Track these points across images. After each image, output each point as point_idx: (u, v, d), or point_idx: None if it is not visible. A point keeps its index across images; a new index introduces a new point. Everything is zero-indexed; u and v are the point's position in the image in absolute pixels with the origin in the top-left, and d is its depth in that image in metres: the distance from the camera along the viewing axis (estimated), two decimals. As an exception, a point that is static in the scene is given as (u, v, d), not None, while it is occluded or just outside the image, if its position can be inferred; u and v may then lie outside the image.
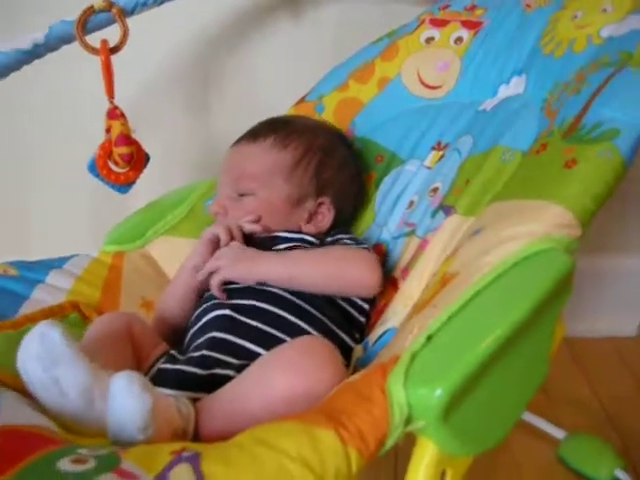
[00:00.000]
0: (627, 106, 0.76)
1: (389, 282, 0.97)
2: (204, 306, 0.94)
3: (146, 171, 1.16)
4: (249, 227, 1.01)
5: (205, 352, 0.84)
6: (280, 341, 0.83)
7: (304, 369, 0.69)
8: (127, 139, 1.12)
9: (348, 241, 0.99)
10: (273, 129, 1.08)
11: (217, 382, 0.77)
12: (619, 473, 1.09)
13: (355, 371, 0.76)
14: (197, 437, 0.71)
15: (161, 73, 1.48)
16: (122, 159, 1.12)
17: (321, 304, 0.91)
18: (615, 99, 0.78)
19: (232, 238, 0.99)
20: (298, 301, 0.91)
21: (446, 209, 0.93)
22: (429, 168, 1.06)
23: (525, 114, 0.95)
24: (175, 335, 0.97)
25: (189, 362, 0.84)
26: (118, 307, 1.03)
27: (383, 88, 1.16)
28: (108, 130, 1.14)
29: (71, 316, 0.96)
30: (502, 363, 0.62)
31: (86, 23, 1.09)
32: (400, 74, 1.15)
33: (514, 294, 0.65)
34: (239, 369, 0.79)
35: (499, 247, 0.70)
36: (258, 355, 0.82)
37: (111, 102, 1.13)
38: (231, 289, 0.93)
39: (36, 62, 1.11)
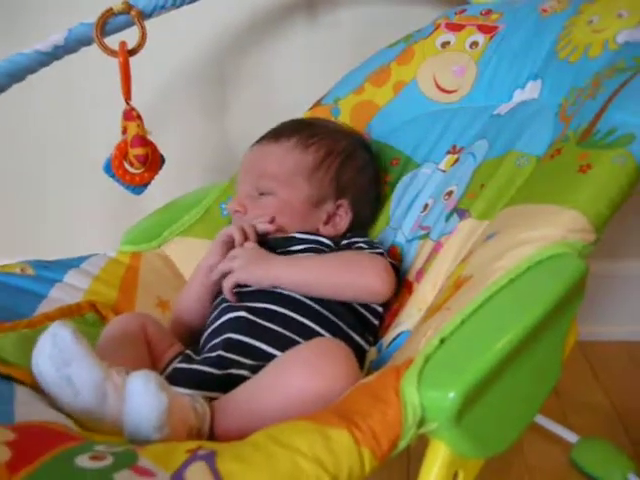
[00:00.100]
0: (642, 112, 0.77)
1: (403, 285, 0.98)
2: (220, 307, 0.94)
3: (162, 173, 1.17)
4: (262, 227, 1.02)
5: (221, 353, 0.85)
6: (294, 343, 0.83)
7: (320, 370, 0.70)
8: (143, 140, 1.14)
9: (363, 244, 0.99)
10: (296, 130, 1.09)
11: (232, 382, 0.78)
12: (632, 478, 1.08)
13: (369, 373, 0.76)
14: (212, 436, 0.72)
15: (178, 75, 1.49)
16: (137, 160, 1.13)
17: (335, 307, 0.92)
18: (630, 104, 0.78)
19: (246, 238, 1.00)
20: (312, 304, 0.91)
21: (460, 212, 0.93)
22: (444, 172, 1.06)
23: (540, 119, 0.95)
24: (191, 335, 0.98)
25: (205, 362, 0.85)
26: (134, 307, 1.04)
27: (399, 92, 1.16)
28: (124, 131, 1.15)
29: (88, 315, 0.98)
30: (515, 366, 0.62)
31: (105, 25, 1.11)
32: (416, 78, 1.15)
33: (527, 298, 0.65)
34: (254, 370, 0.80)
35: (513, 251, 0.70)
36: (273, 356, 0.82)
37: (128, 103, 1.14)
38: (246, 291, 0.94)
39: (54, 62, 1.12)
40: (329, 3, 1.42)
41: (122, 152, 1.14)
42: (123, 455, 0.56)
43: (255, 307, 0.91)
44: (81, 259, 1.09)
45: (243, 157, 1.11)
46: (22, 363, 0.76)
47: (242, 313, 0.90)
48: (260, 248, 0.98)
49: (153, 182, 1.16)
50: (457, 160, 1.05)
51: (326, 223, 1.06)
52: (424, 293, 0.89)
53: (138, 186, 1.17)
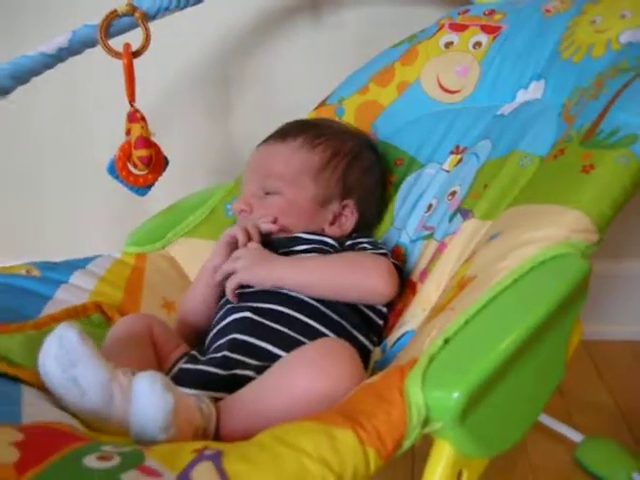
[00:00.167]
0: (646, 112, 0.77)
1: (407, 285, 0.98)
2: (225, 308, 0.95)
3: (166, 174, 1.17)
4: (266, 227, 1.02)
5: (226, 353, 0.86)
6: (299, 344, 0.83)
7: (325, 370, 0.70)
8: (146, 142, 1.14)
9: (367, 245, 1.00)
10: (302, 130, 1.10)
11: (238, 382, 0.79)
12: (636, 477, 1.08)
13: (373, 373, 0.77)
14: (218, 436, 0.72)
15: (182, 77, 1.50)
16: (141, 161, 1.14)
17: (340, 307, 0.92)
18: (633, 105, 0.79)
19: (250, 239, 1.00)
20: (317, 304, 0.92)
21: (464, 213, 0.93)
22: (448, 172, 1.07)
23: (543, 119, 0.95)
24: (197, 336, 0.99)
25: (210, 363, 0.85)
26: (140, 308, 1.05)
27: (403, 92, 1.17)
28: (128, 133, 1.15)
29: (94, 316, 0.98)
30: (519, 366, 0.62)
31: (109, 27, 1.11)
32: (419, 78, 1.15)
33: (531, 298, 0.65)
34: (259, 370, 0.80)
35: (516, 251, 0.70)
36: (278, 357, 0.83)
37: (132, 105, 1.14)
38: (252, 292, 0.94)
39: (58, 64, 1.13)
40: (333, 4, 1.42)
41: (126, 153, 1.15)
42: (130, 455, 0.56)
43: (260, 307, 0.91)
44: (87, 260, 1.09)
45: (249, 157, 1.11)
46: (29, 364, 0.76)
47: (247, 314, 0.90)
48: (264, 249, 0.98)
49: (157, 183, 1.17)
50: (460, 160, 1.06)
51: (332, 223, 1.06)
52: (428, 293, 0.89)
53: (142, 187, 1.18)
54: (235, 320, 0.91)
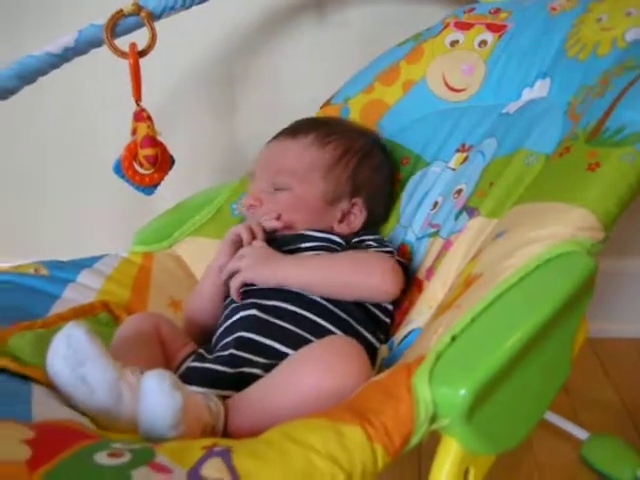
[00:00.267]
0: (651, 110, 0.77)
1: (413, 283, 0.98)
2: (231, 306, 0.95)
3: (172, 173, 1.18)
4: (269, 224, 1.03)
5: (233, 351, 0.86)
6: (306, 341, 0.84)
7: (332, 368, 0.71)
8: (152, 141, 1.14)
9: (373, 243, 1.00)
10: (313, 127, 1.10)
11: (245, 380, 0.79)
12: (642, 474, 1.09)
13: (380, 371, 0.77)
14: (226, 434, 0.73)
15: (187, 76, 1.50)
16: (147, 161, 1.14)
17: (346, 305, 0.92)
18: (639, 102, 0.79)
19: (254, 237, 1.01)
20: (324, 302, 0.92)
21: (470, 211, 0.94)
22: (453, 170, 1.07)
23: (549, 117, 0.96)
24: (205, 335, 0.99)
25: (217, 361, 0.85)
26: (147, 306, 1.05)
27: (408, 90, 1.17)
28: (134, 132, 1.16)
29: (101, 315, 0.99)
30: (525, 363, 0.63)
31: (115, 27, 1.12)
32: (425, 77, 1.15)
33: (537, 296, 0.66)
34: (267, 368, 0.81)
35: (522, 249, 0.71)
36: (285, 355, 0.83)
37: (138, 104, 1.15)
38: (258, 289, 0.94)
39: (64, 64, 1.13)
40: (338, 2, 1.43)
41: (132, 153, 1.15)
42: (140, 452, 0.56)
43: (266, 305, 0.91)
44: (94, 259, 1.10)
45: (259, 153, 1.11)
46: (38, 362, 0.76)
47: (253, 311, 0.91)
48: (268, 247, 0.98)
49: (163, 183, 1.17)
50: (466, 158, 1.06)
51: (341, 221, 1.06)
52: (434, 291, 0.89)
53: (148, 187, 1.18)
54: (241, 318, 0.91)
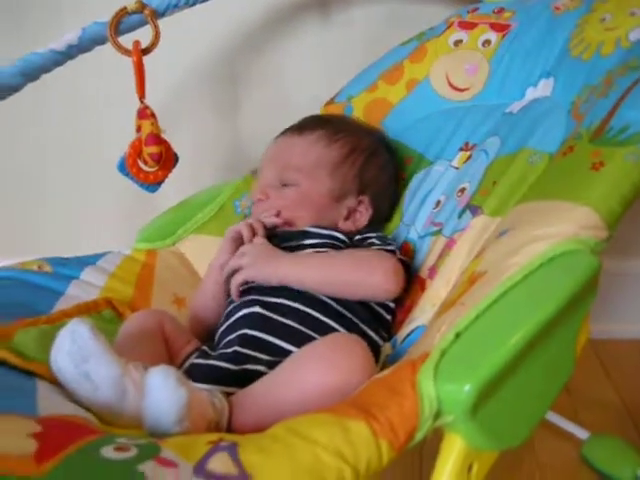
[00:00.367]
0: (655, 109, 0.77)
1: (415, 281, 0.99)
2: (235, 304, 0.95)
3: (175, 171, 1.18)
4: (269, 220, 1.03)
5: (237, 348, 0.86)
6: (310, 339, 0.84)
7: (337, 364, 0.71)
8: (157, 138, 1.14)
9: (376, 240, 1.00)
10: (321, 124, 1.11)
11: (249, 377, 0.79)
12: (642, 474, 1.09)
13: (384, 368, 0.77)
14: (230, 430, 0.72)
15: (190, 74, 1.50)
16: (151, 158, 1.14)
17: (349, 302, 0.93)
18: (643, 102, 0.79)
19: (254, 234, 1.01)
20: (327, 299, 0.92)
21: (473, 209, 0.94)
22: (457, 169, 1.07)
23: (553, 116, 0.96)
24: (209, 332, 0.99)
25: (221, 358, 0.86)
26: (150, 304, 1.06)
27: (412, 90, 1.17)
28: (138, 129, 1.16)
29: (105, 312, 0.99)
30: (528, 361, 0.63)
31: (119, 24, 1.12)
32: (428, 76, 1.16)
33: (541, 294, 0.66)
34: (270, 365, 0.81)
35: (526, 247, 0.71)
36: (289, 352, 0.84)
37: (142, 102, 1.15)
38: (261, 286, 0.95)
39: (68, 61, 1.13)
40: (342, 1, 1.43)
41: (136, 150, 1.15)
42: (146, 447, 0.57)
43: (269, 302, 0.92)
44: (97, 256, 1.10)
45: (266, 148, 1.12)
46: (42, 358, 0.76)
47: (256, 309, 0.91)
48: (269, 244, 0.99)
49: (166, 180, 1.17)
50: (469, 157, 1.06)
51: (346, 218, 1.07)
52: (437, 289, 0.90)
53: (152, 184, 1.18)
54: (245, 315, 0.92)
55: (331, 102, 1.23)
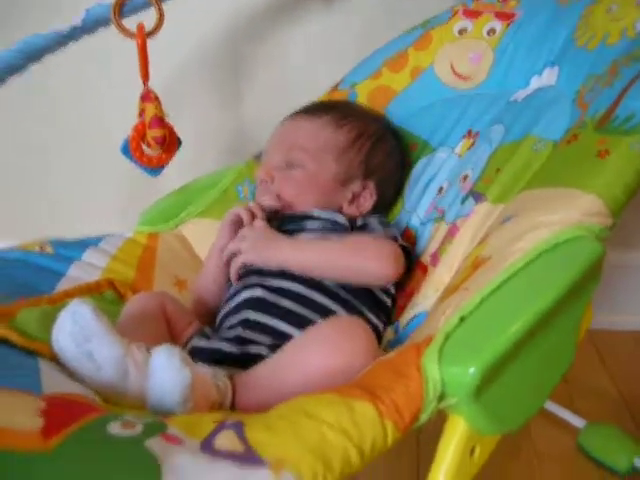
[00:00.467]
0: (660, 99, 0.78)
1: (417, 267, 0.99)
2: (237, 286, 0.96)
3: (178, 155, 1.18)
4: (268, 203, 1.03)
5: (239, 331, 0.87)
6: (312, 322, 0.85)
7: (341, 346, 0.71)
8: (160, 122, 1.14)
9: (377, 226, 1.00)
10: (328, 109, 1.11)
11: (251, 360, 0.80)
12: (638, 462, 1.10)
13: (386, 352, 0.78)
14: (233, 411, 0.73)
15: (193, 58, 1.50)
16: (155, 141, 1.14)
17: (350, 286, 0.93)
18: (649, 92, 0.80)
19: (254, 217, 1.01)
20: (328, 283, 0.93)
21: (476, 196, 0.94)
22: (459, 156, 1.07)
23: (557, 105, 0.96)
24: (212, 314, 0.99)
25: (223, 340, 0.86)
26: (152, 286, 1.05)
27: (416, 77, 1.17)
28: (141, 113, 1.16)
29: (107, 293, 0.99)
30: (531, 346, 0.64)
31: (123, 6, 1.11)
32: (433, 64, 1.15)
33: (545, 279, 0.66)
34: (272, 348, 0.81)
35: (531, 233, 0.71)
36: (290, 335, 0.84)
37: (145, 85, 1.14)
38: (263, 270, 0.95)
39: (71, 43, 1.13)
40: (345, -12, 1.43)
41: (140, 134, 1.15)
42: (152, 424, 0.57)
43: (272, 286, 0.92)
44: (99, 238, 1.10)
45: (273, 130, 1.12)
46: (44, 338, 0.76)
47: (259, 292, 0.91)
48: (268, 228, 0.99)
49: (169, 164, 1.17)
50: (473, 144, 1.06)
51: (351, 202, 1.07)
52: (440, 275, 0.90)
53: (155, 168, 1.18)
54: (247, 298, 0.92)
55: (335, 89, 1.23)
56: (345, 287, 0.93)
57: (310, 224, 1.01)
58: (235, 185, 1.22)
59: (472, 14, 1.15)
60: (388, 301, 0.97)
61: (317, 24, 1.44)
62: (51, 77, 1.44)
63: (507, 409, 0.64)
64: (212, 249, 1.05)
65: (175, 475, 0.48)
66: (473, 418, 0.61)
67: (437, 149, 1.13)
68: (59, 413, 0.58)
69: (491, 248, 0.76)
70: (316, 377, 0.69)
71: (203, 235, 1.15)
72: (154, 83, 1.14)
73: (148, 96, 1.14)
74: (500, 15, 1.12)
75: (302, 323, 0.85)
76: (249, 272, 0.96)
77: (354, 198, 1.07)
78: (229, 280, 1.00)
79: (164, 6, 1.11)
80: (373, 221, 1.02)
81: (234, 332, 0.87)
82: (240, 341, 0.85)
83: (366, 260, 0.93)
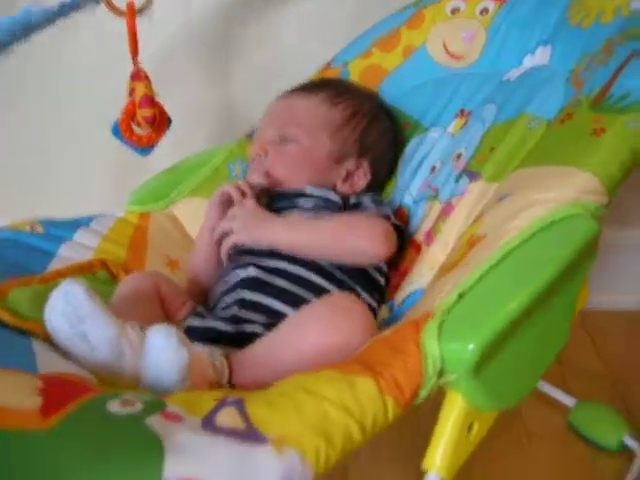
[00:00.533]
0: (655, 77, 0.78)
1: (411, 245, 0.99)
2: (231, 266, 0.95)
3: (168, 134, 1.17)
4: (257, 181, 1.03)
5: (234, 310, 0.86)
6: (307, 301, 0.85)
7: (337, 324, 0.71)
8: (151, 101, 1.13)
9: (370, 204, 1.00)
10: (324, 86, 1.11)
11: (246, 338, 0.80)
12: (628, 440, 1.11)
13: (380, 331, 0.78)
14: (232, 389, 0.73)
15: (183, 38, 1.48)
16: (145, 121, 1.13)
17: (344, 265, 0.93)
18: (644, 71, 0.80)
19: (244, 196, 1.01)
20: (322, 263, 0.92)
21: (470, 175, 0.94)
22: (452, 135, 1.07)
23: (551, 84, 0.96)
24: (207, 294, 0.99)
25: (218, 319, 0.86)
26: (144, 266, 1.05)
27: (408, 56, 1.16)
28: (131, 92, 1.15)
29: (99, 273, 0.98)
30: (529, 323, 0.64)
31: (112, -16, 1.10)
32: (425, 43, 1.15)
33: (543, 256, 0.67)
34: (267, 327, 0.81)
35: (527, 211, 0.71)
36: (285, 314, 0.84)
37: (135, 64, 1.13)
38: (257, 250, 0.94)
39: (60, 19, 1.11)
40: (337, -33, 1.41)
41: (130, 113, 1.14)
42: (151, 402, 0.57)
43: (265, 265, 0.92)
44: (89, 218, 1.09)
45: (267, 107, 1.11)
46: (36, 317, 0.76)
47: (253, 272, 0.91)
48: (259, 208, 0.98)
49: (159, 144, 1.16)
50: (465, 124, 1.06)
51: (345, 180, 1.06)
52: (435, 253, 0.90)
53: (145, 147, 1.17)
54: (242, 278, 0.92)
55: (327, 67, 1.22)
56: (339, 267, 0.93)
57: (303, 202, 1.00)
58: (227, 164, 1.21)
59: (465, -7, 1.14)
60: (381, 280, 0.97)
61: (310, 3, 1.42)
62: (35, 55, 1.42)
63: (505, 386, 0.65)
64: (202, 228, 1.05)
65: (178, 452, 0.48)
66: (472, 394, 0.61)
67: (430, 128, 1.12)
68: (57, 392, 0.57)
69: (486, 226, 0.76)
70: (313, 355, 0.69)
71: (194, 214, 1.14)
72: (144, 63, 1.12)
73: (138, 75, 1.13)
74: (493, -6, 1.12)
75: (297, 302, 0.85)
76: (242, 252, 0.96)
77: (348, 176, 1.06)
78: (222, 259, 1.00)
79: (154, -15, 1.10)
80: (366, 199, 1.02)
81: (229, 311, 0.87)
82: (235, 320, 0.85)
83: (358, 239, 0.92)
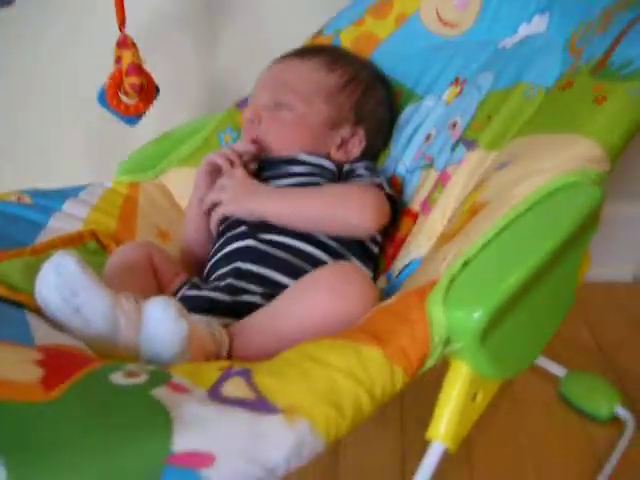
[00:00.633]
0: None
1: (406, 215, 0.98)
2: (225, 236, 0.94)
3: (155, 104, 1.15)
4: (244, 148, 1.01)
5: (231, 281, 0.85)
6: (303, 271, 0.83)
7: (340, 292, 0.70)
8: (138, 69, 1.11)
9: (363, 172, 0.99)
10: (320, 51, 1.09)
11: (243, 308, 0.79)
12: (619, 410, 1.11)
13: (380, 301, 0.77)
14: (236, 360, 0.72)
15: (168, 6, 1.45)
16: (132, 89, 1.11)
17: (341, 237, 0.92)
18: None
19: (232, 165, 0.99)
20: (316, 233, 0.91)
21: (467, 143, 0.93)
22: (447, 103, 1.06)
23: (548, 52, 0.95)
24: (201, 264, 0.98)
25: (215, 289, 0.85)
26: (135, 236, 1.03)
27: (401, 24, 1.14)
28: (118, 60, 1.12)
29: (90, 244, 0.97)
30: (534, 292, 0.63)
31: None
32: (419, 10, 1.13)
33: (547, 224, 0.66)
34: (265, 297, 0.80)
35: (530, 179, 0.70)
36: (283, 284, 0.83)
37: (122, 31, 1.11)
38: (248, 221, 0.93)
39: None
40: None
41: (116, 81, 1.12)
42: (156, 373, 0.55)
43: (263, 236, 0.91)
44: (78, 189, 1.07)
45: (261, 73, 1.09)
46: (28, 290, 0.74)
47: (249, 242, 0.90)
48: (248, 178, 0.97)
49: (146, 114, 1.14)
50: (460, 92, 1.05)
51: (339, 148, 1.05)
52: (433, 222, 0.89)
53: (132, 116, 1.15)
54: (238, 248, 0.90)
55: (319, 34, 1.20)
56: (334, 237, 0.92)
57: (296, 168, 0.99)
58: (217, 133, 1.19)
59: (458, -41, 1.12)
60: (375, 249, 0.96)
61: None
62: (25, 29, 1.39)
63: (510, 354, 0.64)
64: (191, 199, 1.03)
65: (187, 423, 0.47)
66: (477, 363, 0.60)
67: (424, 97, 1.11)
68: (58, 364, 0.56)
69: (489, 193, 0.75)
70: (316, 323, 0.69)
71: (184, 184, 1.12)
72: (129, 30, 1.10)
73: (125, 42, 1.11)
74: (487, -39, 1.10)
75: (294, 272, 0.84)
76: (234, 222, 0.94)
77: (343, 143, 1.05)
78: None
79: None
80: (360, 167, 1.01)
81: (225, 281, 0.86)
82: (232, 290, 0.84)
83: (347, 211, 0.91)
